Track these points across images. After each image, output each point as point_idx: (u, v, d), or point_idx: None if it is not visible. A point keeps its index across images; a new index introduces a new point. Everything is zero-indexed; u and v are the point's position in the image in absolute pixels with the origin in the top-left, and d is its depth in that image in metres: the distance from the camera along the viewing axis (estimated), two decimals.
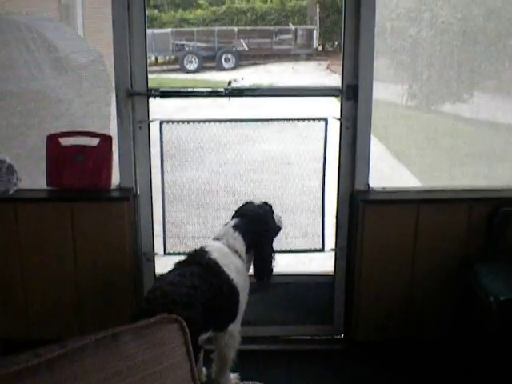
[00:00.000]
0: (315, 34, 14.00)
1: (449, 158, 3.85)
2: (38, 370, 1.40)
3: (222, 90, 3.52)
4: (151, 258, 3.68)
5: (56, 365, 1.43)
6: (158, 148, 3.56)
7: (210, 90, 3.63)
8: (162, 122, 3.53)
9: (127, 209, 3.46)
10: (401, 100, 3.90)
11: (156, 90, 3.47)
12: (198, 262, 2.91)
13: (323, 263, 4.02)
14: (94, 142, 3.49)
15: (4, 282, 3.53)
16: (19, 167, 3.49)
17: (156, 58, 13.92)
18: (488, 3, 3.64)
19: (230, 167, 3.72)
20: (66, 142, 3.50)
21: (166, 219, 3.66)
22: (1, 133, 3.78)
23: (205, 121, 3.66)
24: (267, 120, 3.64)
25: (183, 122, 3.59)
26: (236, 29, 14.13)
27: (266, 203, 3.27)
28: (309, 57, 14.18)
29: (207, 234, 3.52)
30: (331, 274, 3.79)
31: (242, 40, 13.94)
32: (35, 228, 3.45)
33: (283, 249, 3.71)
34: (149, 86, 3.45)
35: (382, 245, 3.52)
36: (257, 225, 3.13)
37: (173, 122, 3.56)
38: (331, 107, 3.98)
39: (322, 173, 3.61)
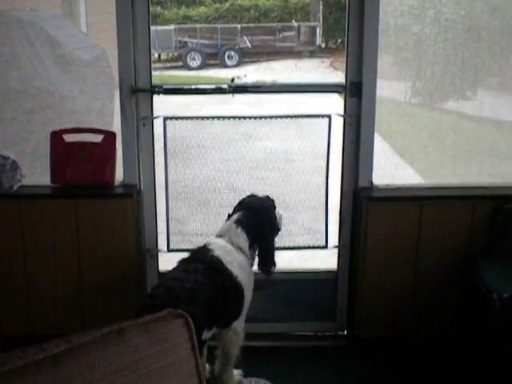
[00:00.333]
0: (318, 31, 13.98)
1: (452, 156, 3.85)
2: (43, 365, 1.41)
3: (225, 86, 3.52)
4: (155, 254, 3.69)
5: (61, 359, 1.43)
6: (162, 144, 3.56)
7: (213, 86, 3.63)
8: (165, 119, 3.53)
9: (131, 205, 3.46)
10: (404, 97, 3.90)
11: (160, 86, 3.47)
12: (202, 260, 2.91)
13: (326, 260, 4.02)
14: (98, 138, 3.50)
15: (8, 278, 3.54)
16: (23, 164, 3.50)
17: (159, 55, 13.91)
18: (492, 0, 3.63)
19: (233, 164, 3.72)
20: (69, 138, 3.50)
21: (170, 216, 3.67)
22: (5, 129, 3.78)
23: (208, 117, 3.66)
24: (270, 117, 3.64)
25: (187, 118, 3.60)
26: (239, 26, 14.11)
27: (269, 198, 3.27)
28: (312, 54, 14.16)
29: (210, 230, 3.52)
30: (334, 270, 3.79)
31: (245, 37, 13.93)
32: (39, 224, 3.46)
33: (286, 245, 3.72)
34: (152, 82, 3.46)
35: (385, 242, 3.52)
36: (260, 217, 3.13)
37: (176, 118, 3.56)
38: (335, 104, 3.98)
39: (325, 170, 3.61)
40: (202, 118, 3.67)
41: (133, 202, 3.47)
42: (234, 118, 3.63)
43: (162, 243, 3.71)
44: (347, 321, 3.80)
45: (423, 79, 3.84)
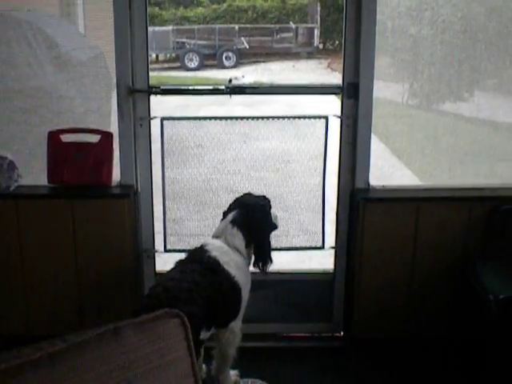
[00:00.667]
0: (316, 32, 14.00)
1: (449, 157, 3.86)
2: (39, 364, 1.41)
3: (223, 87, 3.52)
4: (152, 254, 3.69)
5: (58, 359, 1.44)
6: (159, 145, 3.56)
7: (211, 87, 3.64)
8: (163, 119, 3.53)
9: (128, 206, 3.46)
10: (401, 98, 3.91)
11: (157, 87, 3.47)
12: (199, 260, 2.92)
13: (323, 261, 4.02)
14: (95, 138, 3.50)
15: (5, 279, 3.53)
16: (20, 164, 3.50)
17: (157, 56, 13.92)
18: (489, 2, 3.64)
19: (230, 165, 3.72)
20: (66, 138, 3.50)
21: (167, 216, 3.67)
22: (2, 129, 3.78)
23: (205, 118, 3.67)
24: (268, 118, 3.65)
25: (184, 119, 3.60)
26: (237, 27, 14.12)
27: (265, 197, 3.27)
28: (309, 55, 14.18)
29: (207, 231, 3.52)
30: (331, 271, 3.79)
31: (242, 38, 13.95)
32: (36, 224, 3.46)
33: (283, 246, 3.72)
34: (150, 83, 3.46)
35: (382, 243, 3.52)
36: (255, 214, 3.13)
37: (174, 119, 3.57)
38: (332, 105, 3.99)
39: (322, 171, 3.62)
40: (199, 118, 3.68)
41: (130, 203, 3.47)
42: (232, 118, 3.63)
43: (159, 243, 3.71)
44: (344, 322, 3.80)
45: (420, 81, 3.85)
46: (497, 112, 3.84)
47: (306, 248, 3.80)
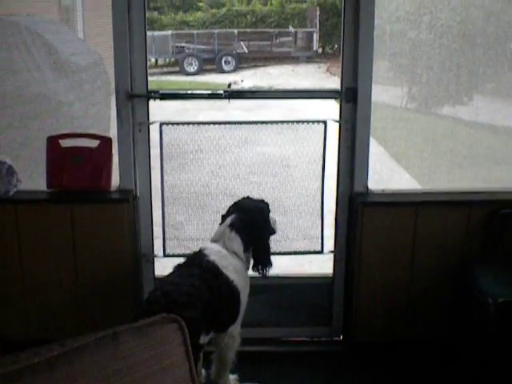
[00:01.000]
0: (315, 36, 14.03)
1: (448, 161, 3.86)
2: (38, 369, 1.41)
3: (221, 92, 3.53)
4: (151, 259, 3.69)
5: (56, 364, 1.44)
6: (158, 150, 3.57)
7: (209, 92, 3.65)
8: (162, 124, 3.53)
9: (127, 210, 3.47)
10: (400, 102, 3.91)
11: (156, 92, 3.47)
12: (198, 265, 2.92)
13: (322, 265, 4.03)
14: (94, 143, 3.50)
15: (4, 283, 3.53)
16: (19, 169, 3.50)
17: (156, 60, 13.94)
18: (487, 6, 3.65)
19: (229, 169, 3.72)
20: (66, 143, 3.50)
21: (166, 221, 3.67)
22: (1, 134, 3.79)
23: (204, 123, 3.67)
24: (266, 122, 3.65)
25: (183, 124, 3.60)
26: (236, 31, 14.15)
27: (263, 201, 3.27)
28: (309, 59, 14.21)
29: (206, 235, 3.52)
30: (330, 275, 3.79)
31: (242, 42, 13.97)
32: (35, 229, 3.46)
33: (282, 251, 3.72)
34: (149, 88, 3.46)
35: (380, 247, 3.52)
36: (254, 218, 3.13)
37: (173, 124, 3.57)
38: (331, 109, 3.99)
39: (321, 175, 3.62)
40: (198, 123, 3.68)
41: (129, 207, 3.48)
42: (231, 123, 3.64)
43: (158, 248, 3.71)
44: (343, 326, 3.80)
45: (419, 84, 3.85)
46: (495, 116, 3.85)
47: (305, 252, 3.80)
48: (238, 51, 13.94)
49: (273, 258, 3.20)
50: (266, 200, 3.30)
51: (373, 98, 3.47)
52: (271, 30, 14.19)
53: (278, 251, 3.63)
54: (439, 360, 3.57)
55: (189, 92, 3.70)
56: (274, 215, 3.31)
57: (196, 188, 3.74)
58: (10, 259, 3.49)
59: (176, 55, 14.18)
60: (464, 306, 3.45)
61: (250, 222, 3.11)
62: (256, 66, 14.11)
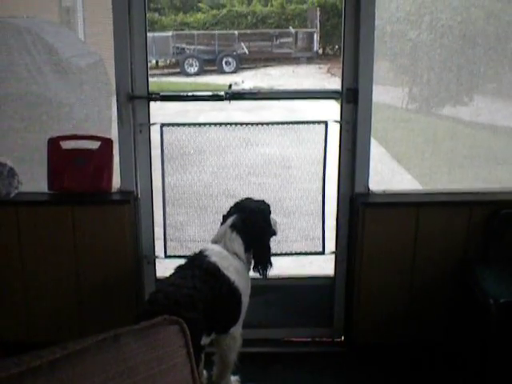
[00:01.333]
0: (315, 37, 14.03)
1: (448, 161, 3.86)
2: (39, 372, 1.41)
3: (222, 93, 3.53)
4: (152, 260, 3.69)
5: (57, 366, 1.44)
6: (159, 151, 3.57)
7: (210, 93, 3.64)
8: (162, 125, 3.53)
9: (128, 212, 3.47)
10: (401, 103, 3.91)
11: (156, 93, 3.48)
12: (198, 266, 2.92)
13: (323, 266, 4.03)
14: (95, 145, 3.50)
15: (5, 285, 3.54)
16: (20, 170, 3.50)
17: (157, 62, 13.95)
18: (488, 6, 3.65)
19: (230, 170, 3.72)
20: (66, 145, 3.51)
21: (167, 222, 3.67)
22: (2, 136, 3.79)
23: (205, 124, 3.67)
24: (267, 123, 3.65)
25: (184, 125, 3.61)
26: (236, 32, 14.16)
27: (264, 202, 3.27)
28: (309, 60, 14.21)
29: (207, 236, 3.52)
30: (331, 276, 3.79)
31: (242, 43, 13.98)
32: (36, 231, 3.46)
33: (283, 252, 3.72)
34: (149, 89, 3.46)
35: (382, 247, 3.52)
36: (255, 218, 3.13)
37: (173, 125, 3.57)
38: (332, 110, 3.99)
39: (322, 176, 3.62)
40: (199, 124, 3.68)
41: (130, 209, 3.48)
42: (231, 124, 3.64)
43: (159, 249, 3.71)
44: (344, 327, 3.80)
45: (419, 85, 3.85)
46: (496, 116, 3.84)
47: (306, 253, 3.80)
48: (238, 52, 13.94)
49: (274, 258, 3.20)
50: (266, 201, 3.30)
51: (373, 99, 3.47)
52: (272, 31, 14.19)
53: (279, 252, 3.63)
54: (440, 361, 3.57)
55: (189, 94, 3.70)
56: (275, 216, 3.31)
57: (197, 189, 3.74)
58: (11, 261, 3.49)
59: (176, 56, 14.18)
60: (465, 307, 3.45)
61: (251, 222, 3.11)
62: (256, 67, 14.11)
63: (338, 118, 3.54)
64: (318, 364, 3.62)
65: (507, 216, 3.45)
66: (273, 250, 3.22)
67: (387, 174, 4.09)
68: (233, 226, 3.10)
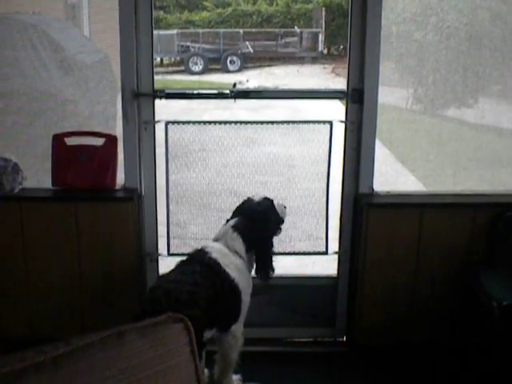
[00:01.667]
0: (321, 37, 14.01)
1: (453, 163, 3.86)
2: (43, 367, 1.41)
3: (227, 91, 3.52)
4: (155, 258, 3.69)
5: (61, 362, 1.43)
6: (163, 149, 3.56)
7: (215, 91, 3.64)
8: (167, 123, 3.53)
9: (131, 209, 3.47)
10: (406, 104, 3.91)
11: (162, 91, 3.47)
12: (199, 262, 2.91)
13: (326, 266, 4.02)
14: (100, 142, 3.50)
15: (8, 281, 3.54)
16: (24, 166, 3.50)
17: (161, 60, 13.93)
18: (494, 8, 3.64)
19: (234, 169, 3.72)
20: (71, 141, 3.51)
21: (170, 220, 3.67)
22: (7, 132, 3.79)
23: (210, 122, 3.67)
24: (272, 122, 3.65)
25: (189, 123, 3.60)
26: (241, 31, 14.13)
27: (266, 198, 3.25)
28: (314, 60, 14.18)
29: (211, 234, 3.51)
30: (334, 276, 3.78)
31: (247, 42, 13.95)
32: (40, 227, 3.46)
33: (286, 251, 3.72)
34: (154, 87, 3.46)
35: (385, 248, 3.52)
36: (256, 223, 3.12)
37: (178, 122, 3.57)
38: (336, 110, 3.99)
39: (326, 176, 3.61)
40: (204, 122, 3.68)
41: (133, 206, 3.47)
42: (236, 122, 3.63)
43: (162, 247, 3.71)
44: (347, 327, 3.79)
45: (425, 86, 3.85)
46: (501, 118, 3.84)
47: (309, 253, 3.80)
48: (243, 51, 13.92)
49: (277, 258, 3.20)
50: (269, 197, 3.28)
51: (379, 99, 3.46)
52: (277, 31, 14.17)
53: (282, 251, 3.63)
54: (443, 363, 3.56)
55: (195, 92, 3.70)
56: (282, 202, 3.30)
57: (201, 187, 3.74)
58: (14, 256, 3.49)
59: (181, 54, 14.16)
60: (468, 309, 3.45)
61: (252, 226, 3.10)
62: (261, 66, 14.10)
63: (342, 118, 3.53)
64: (319, 364, 3.62)
65: (511, 218, 3.44)
66: (276, 250, 3.22)
67: (391, 175, 4.10)
68: (234, 227, 3.10)
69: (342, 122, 3.54)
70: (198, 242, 3.58)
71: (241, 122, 3.66)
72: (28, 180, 3.51)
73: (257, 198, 3.24)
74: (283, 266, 3.35)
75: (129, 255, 3.51)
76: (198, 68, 13.86)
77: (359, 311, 3.64)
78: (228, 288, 2.91)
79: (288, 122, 3.70)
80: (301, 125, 3.66)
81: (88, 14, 4.71)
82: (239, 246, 3.06)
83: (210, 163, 3.77)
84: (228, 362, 3.09)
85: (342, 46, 13.64)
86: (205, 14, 14.80)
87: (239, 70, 13.81)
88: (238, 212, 3.20)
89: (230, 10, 14.65)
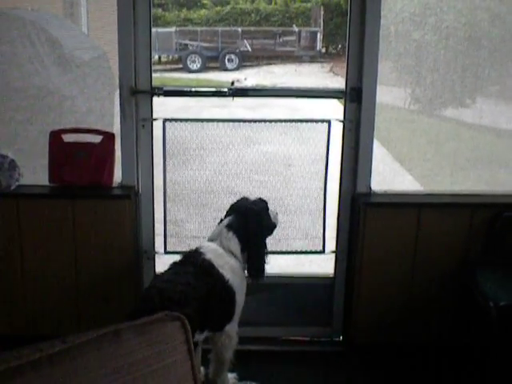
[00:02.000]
0: (319, 36, 14.03)
1: (451, 163, 3.86)
2: (39, 365, 1.40)
3: (225, 89, 3.52)
4: (152, 256, 3.68)
5: (57, 360, 1.43)
6: (161, 146, 3.56)
7: (213, 89, 3.63)
8: (165, 121, 3.53)
9: (128, 207, 3.46)
10: (404, 103, 3.90)
11: (160, 88, 3.47)
12: (193, 263, 2.90)
13: (323, 265, 4.02)
14: (97, 139, 3.49)
15: (4, 278, 3.53)
16: (21, 163, 3.50)
17: (159, 57, 13.93)
18: (493, 9, 3.64)
19: (231, 167, 3.72)
20: (68, 138, 3.50)
21: (167, 218, 3.66)
22: (4, 128, 3.79)
23: (208, 120, 3.66)
24: (270, 121, 3.64)
25: (186, 120, 3.59)
26: (240, 29, 14.15)
27: (261, 199, 3.25)
28: (312, 59, 14.20)
29: (208, 233, 3.51)
30: (331, 275, 3.79)
31: (245, 41, 13.97)
32: (36, 224, 3.46)
33: (283, 250, 3.72)
34: (153, 84, 3.46)
35: (382, 248, 3.52)
36: (251, 222, 3.10)
37: (176, 120, 3.56)
38: (333, 109, 3.98)
39: (323, 175, 3.61)
40: (202, 120, 3.67)
41: (131, 204, 3.47)
42: (234, 121, 3.63)
43: (159, 245, 3.70)
44: (343, 326, 3.79)
45: (423, 86, 3.84)
46: (499, 118, 3.84)
47: (306, 252, 3.79)
48: (241, 49, 13.93)
49: (273, 257, 3.20)
50: (264, 198, 3.28)
51: (377, 99, 3.46)
52: (275, 29, 14.19)
53: (279, 250, 3.63)
54: (440, 363, 3.56)
55: (193, 89, 3.69)
56: (274, 208, 3.30)
57: (198, 185, 3.73)
58: (11, 253, 3.49)
59: (179, 52, 14.18)
60: (465, 309, 3.45)
61: (246, 225, 3.09)
62: (259, 65, 14.11)
63: (340, 117, 3.53)
64: (316, 363, 3.62)
65: (509, 219, 3.45)
66: (273, 248, 3.22)
67: (389, 175, 4.09)
68: (229, 226, 3.09)
69: (340, 121, 3.53)
70: (195, 241, 3.58)
71: (239, 121, 3.65)
72: (25, 177, 3.50)
73: (252, 198, 3.25)
74: (280, 264, 3.35)
75: (126, 253, 3.51)
76: (196, 66, 13.87)
77: (356, 310, 3.64)
78: (222, 289, 2.90)
79: (286, 121, 3.69)
80: (299, 124, 3.65)
81: (86, 11, 4.70)
82: (234, 245, 3.05)
83: (208, 161, 3.77)
84: (222, 362, 3.09)
85: (340, 45, 13.67)
86: (203, 11, 14.80)
87: (237, 69, 13.82)
88: (232, 210, 3.19)
89: (228, 8, 14.66)
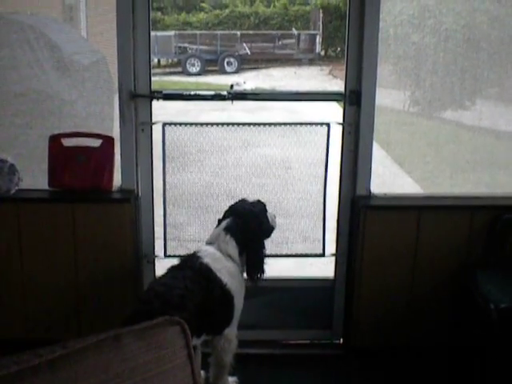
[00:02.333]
0: (318, 39, 14.05)
1: (450, 165, 3.85)
2: (39, 371, 1.40)
3: (225, 93, 3.52)
4: (152, 260, 3.68)
5: (57, 365, 1.43)
6: (160, 150, 3.56)
7: (213, 93, 3.63)
8: (164, 124, 3.53)
9: (128, 210, 3.46)
10: (403, 106, 3.90)
11: (159, 92, 3.47)
12: (191, 267, 2.90)
13: (323, 268, 4.02)
14: (97, 143, 3.49)
15: (4, 282, 3.53)
16: (21, 167, 3.49)
17: (159, 61, 13.95)
18: (492, 11, 3.64)
19: (231, 171, 3.72)
20: (68, 142, 3.50)
21: (167, 221, 3.66)
22: (3, 132, 3.78)
23: (207, 124, 3.66)
24: (269, 124, 3.64)
25: (186, 124, 3.59)
26: (239, 33, 14.16)
27: (259, 202, 3.25)
28: (311, 62, 14.22)
29: (207, 237, 3.51)
30: (331, 278, 3.78)
31: (244, 44, 13.98)
32: (36, 228, 3.45)
33: (283, 253, 3.71)
34: (152, 88, 3.45)
35: (382, 250, 3.52)
36: (249, 224, 3.10)
37: (175, 124, 3.56)
38: (332, 112, 3.98)
39: (323, 177, 3.61)
40: (201, 124, 3.67)
41: (130, 208, 3.47)
42: (233, 124, 3.63)
43: (159, 249, 3.70)
44: (343, 329, 3.79)
45: (422, 88, 3.84)
46: (498, 121, 3.84)
47: (306, 255, 3.80)
48: (240, 53, 13.95)
49: (273, 260, 3.19)
50: (262, 200, 3.28)
51: (376, 102, 3.46)
52: (274, 32, 14.21)
53: (278, 253, 3.63)
54: (440, 365, 3.56)
55: (192, 93, 3.69)
56: (272, 212, 3.30)
57: (198, 189, 3.73)
58: (11, 257, 3.48)
59: (178, 56, 14.19)
60: (465, 312, 3.44)
61: (245, 227, 3.09)
62: (258, 68, 14.13)
63: (339, 120, 3.53)
64: (316, 366, 3.62)
65: (509, 221, 3.45)
66: (273, 251, 3.21)
67: (389, 178, 4.08)
68: (226, 229, 3.08)
69: (339, 123, 3.53)
70: (195, 244, 3.58)
71: (238, 124, 3.65)
72: (24, 181, 3.50)
73: (250, 200, 3.24)
74: (280, 267, 3.35)
75: (125, 256, 3.51)
76: (195, 69, 13.89)
77: (356, 313, 3.64)
78: (220, 293, 2.90)
79: (285, 124, 3.70)
80: (298, 127, 3.65)
81: (86, 15, 4.69)
82: (232, 249, 3.04)
83: (207, 165, 3.76)
84: (222, 365, 3.08)
85: (339, 48, 13.68)
86: (202, 15, 14.83)
87: (236, 72, 13.84)
88: (230, 212, 3.19)
89: (227, 11, 14.68)
